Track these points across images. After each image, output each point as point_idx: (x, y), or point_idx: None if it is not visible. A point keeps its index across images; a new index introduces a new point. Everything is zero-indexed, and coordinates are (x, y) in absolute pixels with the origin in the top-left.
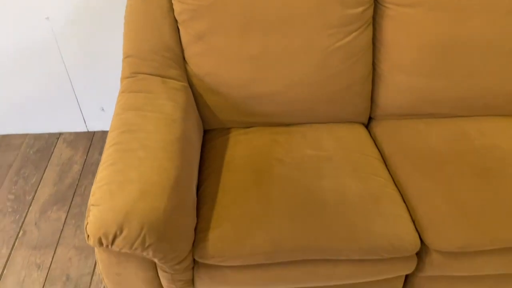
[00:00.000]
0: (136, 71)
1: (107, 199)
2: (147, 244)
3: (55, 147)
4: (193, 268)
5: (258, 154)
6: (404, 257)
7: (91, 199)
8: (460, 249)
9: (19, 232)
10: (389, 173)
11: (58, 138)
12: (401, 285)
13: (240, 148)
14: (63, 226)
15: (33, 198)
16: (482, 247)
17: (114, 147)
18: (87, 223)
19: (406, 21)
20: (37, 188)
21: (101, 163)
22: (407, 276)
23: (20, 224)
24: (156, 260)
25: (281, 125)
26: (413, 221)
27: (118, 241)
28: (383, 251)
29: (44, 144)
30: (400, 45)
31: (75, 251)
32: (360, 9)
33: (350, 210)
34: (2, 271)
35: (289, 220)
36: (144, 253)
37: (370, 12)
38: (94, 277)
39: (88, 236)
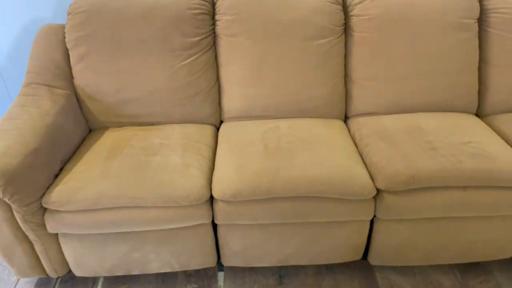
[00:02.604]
0: (31, 82)
1: None
2: None
3: None
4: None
5: (118, 142)
6: (197, 205)
7: None
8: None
9: None
10: (214, 154)
11: None
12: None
13: (108, 139)
14: None
15: None
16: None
17: None
18: None
19: (233, 47)
20: None
21: None
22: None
23: None
24: (6, 200)
25: (147, 124)
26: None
27: None
28: (179, 199)
29: None
30: (232, 65)
31: None
32: (197, 38)
33: (163, 174)
34: None
35: (116, 179)
36: None
37: (208, 40)
38: None
39: None
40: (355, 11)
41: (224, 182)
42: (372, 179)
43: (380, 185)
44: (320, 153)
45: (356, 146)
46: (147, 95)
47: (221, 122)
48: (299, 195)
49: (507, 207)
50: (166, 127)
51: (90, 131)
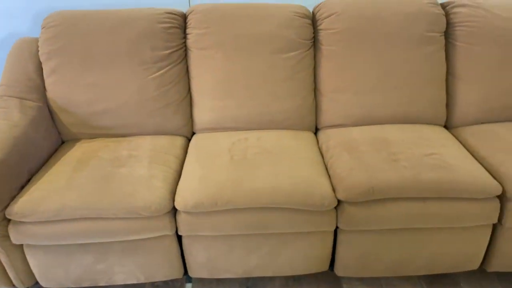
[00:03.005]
0: (3, 94)
1: None
2: None
3: None
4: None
5: (87, 153)
6: (159, 216)
7: None
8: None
9: None
10: (182, 165)
11: None
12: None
13: (78, 150)
14: None
15: None
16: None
17: None
18: None
19: (203, 60)
20: None
21: None
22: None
23: None
24: None
25: (120, 136)
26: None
27: None
28: (141, 210)
29: None
30: (203, 77)
31: None
32: (168, 51)
33: (127, 185)
34: None
35: (79, 191)
36: None
37: (178, 53)
38: None
39: None
40: (323, 25)
41: (187, 193)
42: (334, 190)
43: (341, 196)
44: (285, 164)
45: (323, 158)
46: (119, 107)
47: (194, 133)
48: (261, 206)
49: (469, 218)
50: (137, 139)
51: (63, 142)
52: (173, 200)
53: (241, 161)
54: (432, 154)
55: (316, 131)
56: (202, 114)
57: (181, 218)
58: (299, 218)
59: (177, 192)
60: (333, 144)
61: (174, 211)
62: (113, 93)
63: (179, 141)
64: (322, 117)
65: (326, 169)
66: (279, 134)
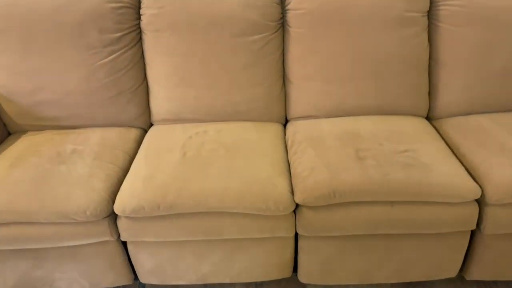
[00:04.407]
0: None
1: None
2: None
3: None
4: None
5: (29, 147)
6: (96, 221)
7: None
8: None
9: None
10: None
11: None
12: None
13: (21, 144)
14: None
15: None
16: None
17: None
18: None
19: (157, 43)
20: None
21: None
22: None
23: None
24: None
25: (69, 128)
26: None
27: None
28: (74, 215)
29: None
30: (158, 62)
31: None
32: (119, 34)
33: (62, 186)
34: None
35: (10, 192)
36: None
37: (131, 36)
38: None
39: None
40: (291, 4)
41: (127, 196)
42: (293, 192)
43: (298, 199)
44: (241, 162)
45: (287, 154)
46: (65, 96)
47: (152, 125)
48: (208, 211)
49: (443, 224)
50: (87, 131)
51: (10, 134)
52: (114, 203)
53: (194, 158)
54: (405, 152)
55: (286, 122)
56: (159, 104)
57: (121, 223)
58: (253, 224)
59: (118, 194)
60: (299, 138)
61: (115, 215)
62: (58, 80)
63: (133, 134)
64: (291, 107)
65: (289, 167)
66: (242, 127)
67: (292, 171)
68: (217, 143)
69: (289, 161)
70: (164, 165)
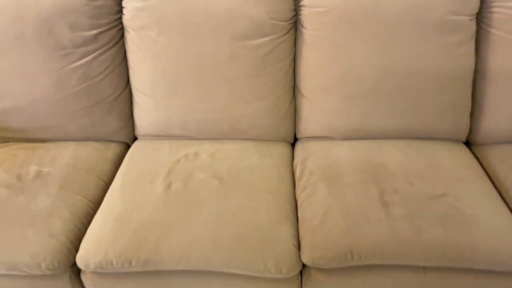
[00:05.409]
0: None
1: None
2: None
3: None
4: None
5: None
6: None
7: None
8: None
9: None
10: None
11: None
12: None
13: None
14: None
15: None
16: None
17: None
18: None
19: (142, 44)
20: None
21: None
22: None
23: None
24: None
25: (38, 141)
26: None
27: None
28: (26, 267)
29: None
30: (142, 67)
31: None
32: (94, 31)
33: (16, 226)
34: None
35: None
36: None
37: (110, 34)
38: None
39: None
40: (306, 0)
41: (93, 246)
42: (299, 245)
43: (306, 259)
44: (237, 200)
45: (295, 186)
46: (30, 105)
47: (136, 138)
48: (193, 269)
49: None
50: (57, 147)
51: None
52: (77, 251)
53: (179, 193)
54: (443, 196)
55: (295, 140)
56: (143, 115)
57: (86, 277)
58: (247, 287)
59: (83, 241)
60: (310, 167)
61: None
62: (23, 86)
63: (112, 151)
64: (302, 124)
65: (296, 206)
66: (242, 149)
67: (299, 214)
68: (209, 172)
69: (297, 198)
70: (142, 201)
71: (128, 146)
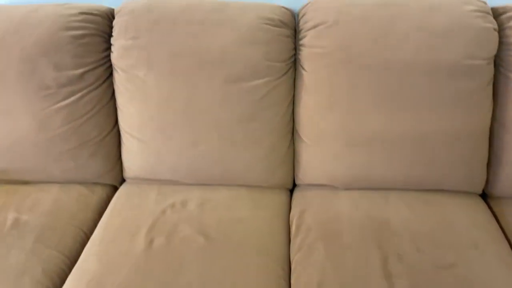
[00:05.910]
0: None
1: None
2: None
3: None
4: None
5: None
6: None
7: None
8: None
9: None
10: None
11: None
12: None
13: None
14: None
15: None
16: None
17: None
18: None
19: (130, 84)
20: None
21: None
22: None
23: None
24: None
25: (19, 182)
26: None
27: None
28: None
29: None
30: (129, 108)
31: None
32: (80, 70)
33: None
34: None
35: None
36: None
37: (97, 73)
38: None
39: None
40: (306, 38)
41: None
42: None
43: None
44: (223, 264)
45: (289, 245)
46: (11, 146)
47: (124, 180)
48: None
49: None
50: (39, 190)
51: None
52: None
53: (160, 252)
54: (453, 266)
55: (294, 185)
56: (131, 157)
57: None
58: None
59: None
60: (307, 222)
61: None
62: (4, 127)
63: (98, 195)
64: (301, 171)
65: (289, 269)
66: (234, 197)
67: (292, 281)
68: (196, 227)
69: (291, 260)
70: (120, 261)
71: (115, 189)
